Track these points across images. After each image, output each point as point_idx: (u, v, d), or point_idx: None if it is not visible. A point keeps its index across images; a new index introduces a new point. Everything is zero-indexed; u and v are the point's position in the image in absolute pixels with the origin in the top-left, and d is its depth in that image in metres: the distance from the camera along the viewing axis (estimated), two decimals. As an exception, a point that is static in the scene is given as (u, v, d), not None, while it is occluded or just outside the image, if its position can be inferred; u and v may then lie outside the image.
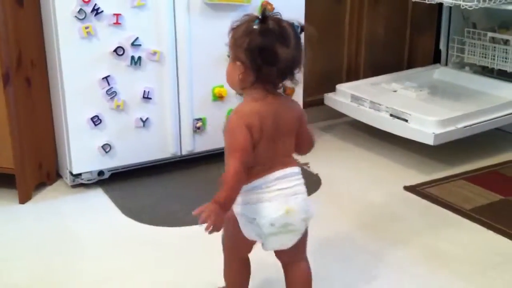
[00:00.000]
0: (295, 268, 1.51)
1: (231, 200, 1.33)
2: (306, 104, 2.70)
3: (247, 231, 1.43)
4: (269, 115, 1.37)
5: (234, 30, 1.38)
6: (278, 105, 1.39)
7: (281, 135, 1.40)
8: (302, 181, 1.43)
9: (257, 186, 1.38)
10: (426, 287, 1.69)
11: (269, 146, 1.38)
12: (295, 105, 1.46)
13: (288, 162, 1.42)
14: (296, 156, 2.42)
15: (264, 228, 1.38)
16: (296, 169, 1.43)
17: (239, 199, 1.37)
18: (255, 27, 1.34)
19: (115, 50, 2.16)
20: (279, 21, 1.35)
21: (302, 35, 1.39)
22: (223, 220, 1.31)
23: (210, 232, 1.30)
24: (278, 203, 1.37)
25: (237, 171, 1.32)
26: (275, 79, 1.37)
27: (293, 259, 1.50)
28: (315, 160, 2.54)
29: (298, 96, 2.58)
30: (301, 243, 1.47)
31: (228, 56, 1.41)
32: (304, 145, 1.48)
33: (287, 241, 1.43)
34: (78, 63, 2.13)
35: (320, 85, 2.90)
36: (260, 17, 1.34)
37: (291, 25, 1.36)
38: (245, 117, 1.35)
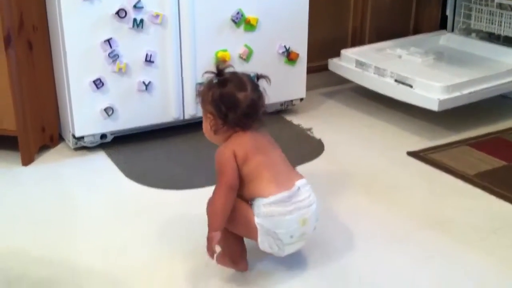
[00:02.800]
0: None
1: (215, 224, 1.49)
2: (311, 70, 2.68)
3: (263, 243, 1.51)
4: (246, 137, 1.55)
5: (201, 91, 1.59)
6: (252, 132, 1.57)
7: (268, 147, 1.56)
8: (311, 190, 1.56)
9: (278, 200, 1.49)
10: (427, 251, 1.70)
11: (264, 158, 1.52)
12: (267, 134, 1.62)
13: (295, 174, 1.56)
14: (298, 121, 2.43)
15: (285, 240, 1.51)
16: (305, 181, 1.56)
17: (260, 211, 1.48)
18: (214, 81, 1.54)
19: (117, 13, 2.14)
20: (234, 72, 1.57)
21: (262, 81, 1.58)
22: (215, 241, 1.48)
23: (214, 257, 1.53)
24: (296, 215, 1.50)
25: (220, 199, 1.49)
26: (241, 121, 1.54)
27: None
28: (318, 125, 2.53)
29: (302, 61, 2.57)
30: None
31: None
32: None
33: (299, 247, 1.57)
34: (79, 26, 2.11)
35: (325, 50, 2.87)
36: (215, 72, 1.55)
37: (247, 75, 1.57)
38: (230, 145, 1.53)
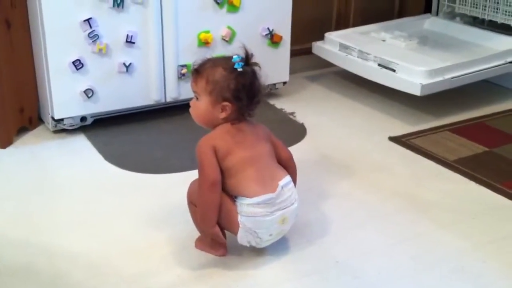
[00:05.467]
0: None
1: (210, 221, 1.49)
2: (294, 53, 2.66)
3: (242, 238, 1.53)
4: (232, 130, 1.52)
5: (207, 72, 1.50)
6: (242, 123, 1.54)
7: (253, 141, 1.53)
8: (294, 188, 1.56)
9: (262, 201, 1.48)
10: (407, 235, 1.71)
11: (247, 154, 1.50)
12: (259, 125, 1.60)
13: (279, 171, 1.54)
14: (281, 105, 2.40)
15: (264, 238, 1.53)
16: (289, 178, 1.54)
17: (243, 209, 1.48)
18: (239, 69, 1.48)
19: (97, -8, 2.10)
20: (254, 62, 1.53)
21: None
22: (219, 236, 1.51)
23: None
24: (277, 215, 1.50)
25: (205, 196, 1.48)
26: (252, 110, 1.54)
27: None
28: (301, 109, 2.52)
29: (286, 44, 2.54)
30: None
31: (196, 97, 1.54)
32: (285, 162, 1.60)
33: (276, 239, 1.58)
34: (58, 4, 2.07)
35: (309, 33, 2.85)
36: (242, 58, 1.50)
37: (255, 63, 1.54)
38: (211, 139, 1.50)
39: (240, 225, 1.50)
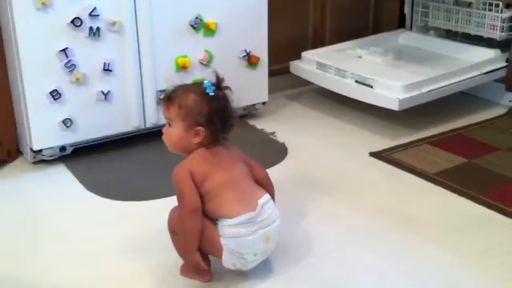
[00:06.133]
0: None
1: (192, 248, 1.49)
2: (272, 73, 2.68)
3: (227, 261, 1.52)
4: (207, 154, 1.53)
5: (179, 99, 1.51)
6: (217, 147, 1.55)
7: (229, 163, 1.54)
8: (274, 206, 1.56)
9: (243, 221, 1.48)
10: (394, 252, 1.71)
11: (224, 177, 1.50)
12: (233, 148, 1.60)
13: (258, 191, 1.55)
14: (262, 125, 2.39)
15: (249, 258, 1.51)
16: (268, 196, 1.55)
17: (225, 231, 1.48)
18: (211, 93, 1.50)
19: (72, 21, 2.10)
20: (225, 86, 1.54)
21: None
22: (201, 262, 1.50)
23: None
24: (260, 234, 1.50)
25: (186, 223, 1.48)
26: (227, 133, 1.55)
27: None
28: (281, 129, 2.53)
29: (263, 65, 2.56)
30: None
31: (169, 124, 1.54)
32: (262, 182, 1.61)
33: (260, 261, 1.57)
34: (34, 36, 2.06)
35: (286, 52, 2.87)
36: (213, 83, 1.51)
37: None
38: (187, 165, 1.50)
39: (224, 248, 1.49)
